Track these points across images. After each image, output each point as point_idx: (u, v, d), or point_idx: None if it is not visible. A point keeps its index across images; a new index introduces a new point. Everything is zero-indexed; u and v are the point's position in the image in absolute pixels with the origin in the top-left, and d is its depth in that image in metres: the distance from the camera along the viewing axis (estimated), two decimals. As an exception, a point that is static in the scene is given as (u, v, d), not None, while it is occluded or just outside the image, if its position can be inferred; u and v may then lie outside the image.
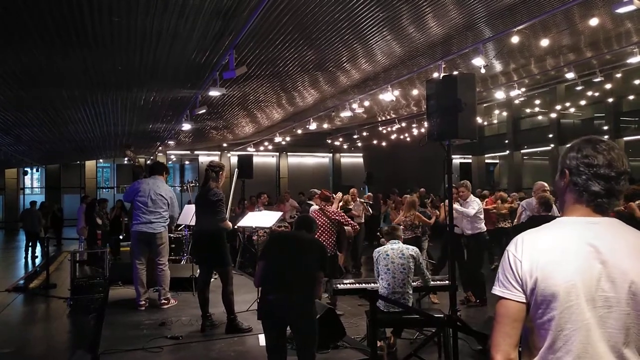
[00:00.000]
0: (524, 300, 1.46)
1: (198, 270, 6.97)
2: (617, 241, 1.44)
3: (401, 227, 7.60)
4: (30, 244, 13.93)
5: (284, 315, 3.39)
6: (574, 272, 1.40)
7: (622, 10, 5.89)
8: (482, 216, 7.39)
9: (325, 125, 16.65)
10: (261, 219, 7.03)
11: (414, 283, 5.14)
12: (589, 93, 18.82)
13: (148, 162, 20.94)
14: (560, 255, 1.43)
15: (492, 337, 1.48)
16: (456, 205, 7.11)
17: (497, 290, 1.51)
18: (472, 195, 7.41)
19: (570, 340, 1.39)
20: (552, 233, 1.49)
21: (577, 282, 1.40)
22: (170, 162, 26.15)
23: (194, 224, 7.88)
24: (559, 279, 1.40)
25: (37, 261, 13.18)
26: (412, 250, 4.95)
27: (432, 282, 5.46)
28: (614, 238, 1.45)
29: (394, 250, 4.91)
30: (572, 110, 21.66)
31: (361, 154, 24.90)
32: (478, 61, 7.92)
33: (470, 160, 27.91)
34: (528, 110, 24.35)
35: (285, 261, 3.52)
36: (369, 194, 12.56)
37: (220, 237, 5.07)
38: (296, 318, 3.40)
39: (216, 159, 26.31)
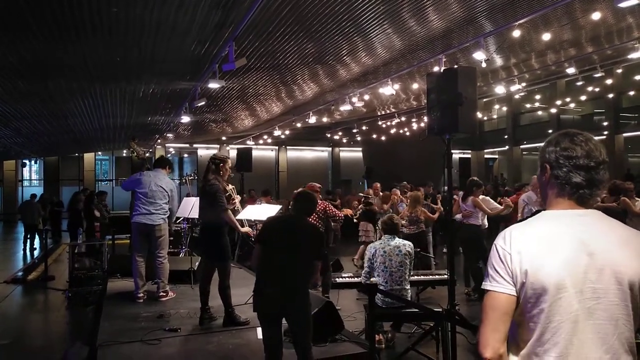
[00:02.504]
0: (515, 293, 1.45)
1: (197, 263, 6.99)
2: (603, 233, 1.45)
3: (404, 221, 7.67)
4: (28, 236, 13.94)
5: (278, 308, 3.39)
6: (563, 264, 1.41)
7: (624, 4, 5.85)
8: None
9: (325, 119, 16.61)
10: (260, 212, 7.03)
11: (412, 278, 5.14)
12: (589, 88, 18.81)
13: (147, 154, 20.90)
14: (548, 247, 1.43)
15: (481, 332, 1.47)
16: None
17: (487, 285, 1.50)
18: None
19: (558, 332, 1.40)
20: (539, 226, 1.49)
21: (565, 274, 1.40)
22: (169, 155, 26.11)
23: (192, 216, 7.93)
24: (549, 272, 1.41)
25: (36, 253, 13.18)
26: (409, 246, 4.93)
27: (432, 277, 5.50)
28: (599, 230, 1.46)
29: (391, 247, 4.85)
30: (572, 105, 21.64)
31: (360, 148, 24.87)
32: (479, 55, 7.89)
33: (469, 155, 27.92)
34: (528, 106, 24.35)
35: (280, 251, 3.48)
36: (369, 190, 12.24)
37: (219, 230, 5.03)
38: (291, 310, 3.40)
39: (215, 152, 26.26)
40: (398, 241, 4.92)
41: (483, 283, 1.52)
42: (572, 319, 1.39)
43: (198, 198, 8.17)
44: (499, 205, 7.54)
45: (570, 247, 1.42)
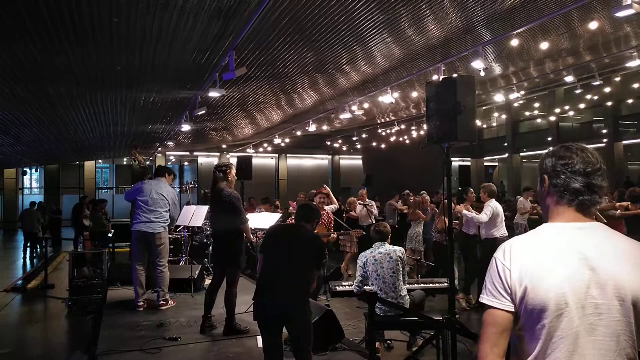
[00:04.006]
0: (513, 310, 1.44)
1: (197, 272, 6.99)
2: (606, 247, 1.43)
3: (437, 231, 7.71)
4: (29, 245, 13.93)
5: (278, 317, 3.39)
6: (564, 280, 1.39)
7: (621, 14, 5.89)
8: (498, 222, 7.01)
9: (325, 127, 16.66)
10: (261, 220, 7.04)
11: (411, 285, 5.13)
12: (588, 97, 18.88)
13: (147, 163, 20.93)
14: (549, 263, 1.41)
15: (480, 347, 1.46)
16: (466, 212, 7.13)
17: (485, 299, 1.49)
18: (493, 200, 7.08)
19: (559, 349, 1.38)
20: (540, 240, 1.48)
21: (567, 290, 1.38)
22: (169, 163, 26.16)
23: (193, 225, 7.94)
24: (549, 288, 1.39)
25: (36, 262, 13.16)
26: (400, 251, 4.90)
27: (432, 285, 5.50)
28: (602, 244, 1.44)
29: (382, 255, 4.82)
30: (571, 113, 21.71)
31: (360, 156, 24.91)
32: (477, 64, 7.93)
33: (469, 163, 27.93)
34: (527, 114, 24.41)
35: (281, 260, 3.50)
36: (363, 191, 11.41)
37: (237, 238, 5.07)
38: (291, 319, 3.41)
39: (215, 160, 26.30)
40: (388, 248, 4.90)
41: (481, 296, 1.51)
42: (573, 335, 1.38)
43: (198, 207, 8.23)
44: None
45: (572, 262, 1.40)
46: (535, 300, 1.40)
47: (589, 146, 1.57)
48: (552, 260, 1.42)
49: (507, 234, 7.01)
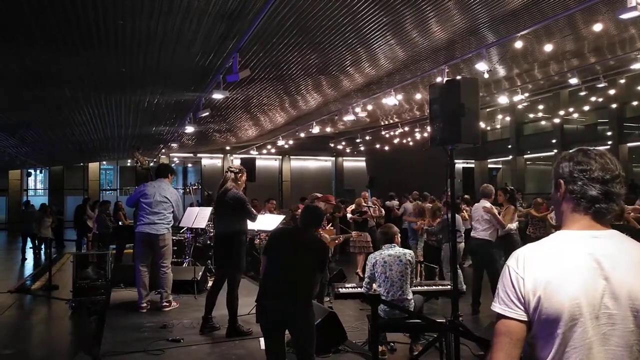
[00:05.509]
0: (526, 319, 1.42)
1: (200, 273, 7.00)
2: (621, 256, 1.41)
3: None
4: (30, 247, 13.95)
5: (281, 319, 3.39)
6: (578, 289, 1.37)
7: (626, 16, 5.87)
8: (473, 222, 7.31)
9: (328, 129, 16.66)
10: (264, 222, 7.03)
11: (415, 288, 5.12)
12: (593, 98, 18.78)
13: (151, 164, 20.96)
14: (563, 272, 1.39)
15: (493, 356, 1.44)
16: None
17: (497, 307, 1.46)
18: (481, 200, 7.22)
19: (571, 358, 1.37)
20: (554, 248, 1.45)
21: (581, 299, 1.37)
22: (173, 165, 26.19)
23: (196, 226, 7.95)
24: (563, 297, 1.37)
25: (31, 262, 13.19)
26: (410, 255, 4.89)
27: (435, 287, 5.49)
28: (617, 253, 1.42)
29: (391, 257, 4.81)
30: (575, 115, 21.63)
31: (364, 158, 24.91)
32: (481, 66, 7.92)
33: (473, 165, 27.89)
34: (531, 115, 24.34)
35: (283, 263, 3.49)
36: (365, 193, 11.73)
37: (238, 239, 5.07)
38: (294, 321, 3.40)
39: (219, 162, 26.36)
40: (398, 250, 4.89)
41: (493, 304, 1.48)
42: (587, 346, 1.36)
43: (201, 208, 8.24)
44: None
45: (586, 271, 1.38)
46: (549, 309, 1.38)
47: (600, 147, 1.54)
48: (567, 270, 1.39)
49: (478, 236, 7.11)
